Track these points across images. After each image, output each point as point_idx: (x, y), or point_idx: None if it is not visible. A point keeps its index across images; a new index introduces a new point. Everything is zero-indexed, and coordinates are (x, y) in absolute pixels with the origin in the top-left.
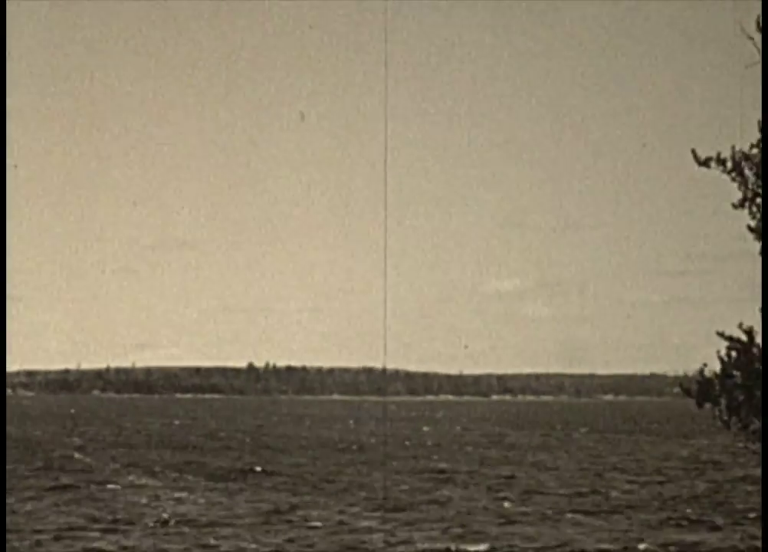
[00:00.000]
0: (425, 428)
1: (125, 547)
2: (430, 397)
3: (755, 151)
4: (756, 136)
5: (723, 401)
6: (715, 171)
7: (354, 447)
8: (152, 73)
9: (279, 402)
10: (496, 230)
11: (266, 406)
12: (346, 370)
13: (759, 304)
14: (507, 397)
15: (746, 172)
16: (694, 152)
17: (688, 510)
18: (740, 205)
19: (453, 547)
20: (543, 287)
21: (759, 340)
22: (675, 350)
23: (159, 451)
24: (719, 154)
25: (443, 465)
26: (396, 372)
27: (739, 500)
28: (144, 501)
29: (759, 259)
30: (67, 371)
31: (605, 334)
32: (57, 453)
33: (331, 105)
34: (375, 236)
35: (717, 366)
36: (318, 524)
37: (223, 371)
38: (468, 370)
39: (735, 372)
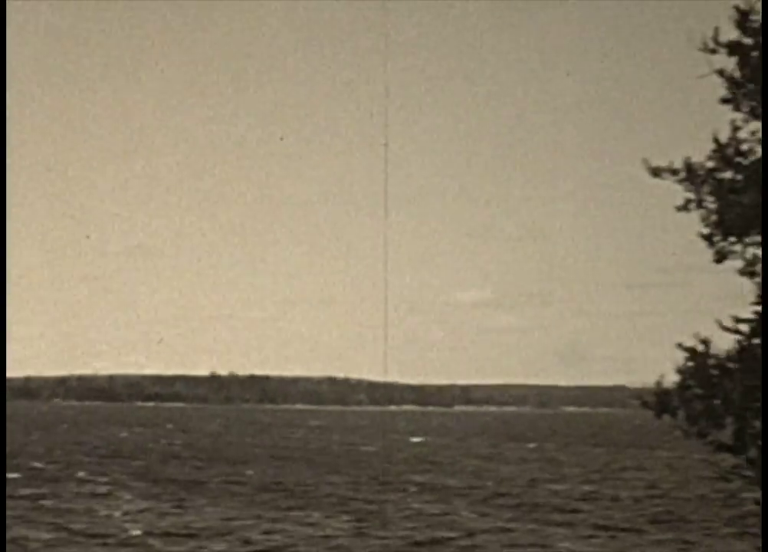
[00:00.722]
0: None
1: None
2: (392, 407)
3: (710, 164)
4: (710, 146)
5: (681, 412)
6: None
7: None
8: (122, 83)
9: (242, 411)
10: (462, 240)
11: (229, 415)
12: (308, 380)
13: (718, 315)
14: (470, 408)
15: (698, 181)
16: (646, 162)
17: (617, 516)
18: (684, 207)
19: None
20: (508, 298)
21: (732, 344)
22: (639, 362)
23: (121, 461)
24: (671, 164)
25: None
26: (359, 381)
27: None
28: (105, 512)
29: (719, 272)
30: (28, 379)
31: (568, 345)
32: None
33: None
34: (339, 246)
35: (676, 378)
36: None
37: (185, 379)
38: (431, 381)
39: (692, 383)
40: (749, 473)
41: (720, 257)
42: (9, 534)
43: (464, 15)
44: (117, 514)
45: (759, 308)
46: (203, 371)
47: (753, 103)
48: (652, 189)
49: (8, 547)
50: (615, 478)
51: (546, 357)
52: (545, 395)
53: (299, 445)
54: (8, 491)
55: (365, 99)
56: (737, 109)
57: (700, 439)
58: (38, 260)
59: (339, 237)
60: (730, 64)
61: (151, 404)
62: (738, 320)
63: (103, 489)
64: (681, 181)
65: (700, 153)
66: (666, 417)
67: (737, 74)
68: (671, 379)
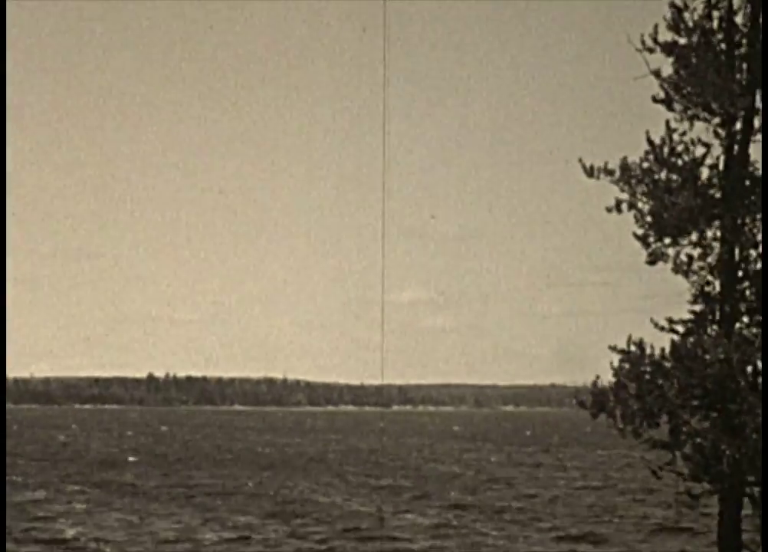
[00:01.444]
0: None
1: None
2: (330, 407)
3: (645, 164)
4: (642, 145)
5: (617, 411)
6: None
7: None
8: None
9: (179, 413)
10: (399, 240)
11: (167, 418)
12: (246, 380)
13: (653, 315)
14: (408, 407)
15: (633, 181)
16: (582, 162)
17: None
18: (616, 208)
19: None
20: (446, 298)
21: (662, 348)
22: (575, 361)
23: (63, 465)
24: (606, 164)
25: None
26: (297, 382)
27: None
28: (41, 513)
29: (655, 271)
30: None
31: (506, 345)
32: None
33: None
34: (275, 244)
35: (612, 377)
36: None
37: (123, 381)
38: (369, 381)
39: (628, 383)
40: (683, 469)
41: (654, 258)
42: None
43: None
44: (51, 517)
45: (695, 307)
46: (140, 373)
47: (688, 104)
48: (589, 189)
49: None
50: (548, 477)
51: (484, 357)
52: (482, 395)
53: (239, 446)
54: None
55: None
56: (671, 109)
57: (635, 437)
58: None
59: (275, 237)
60: (668, 63)
61: (88, 406)
62: (672, 322)
63: (39, 494)
64: (616, 181)
65: (640, 154)
66: (602, 416)
67: (674, 75)
68: (608, 378)
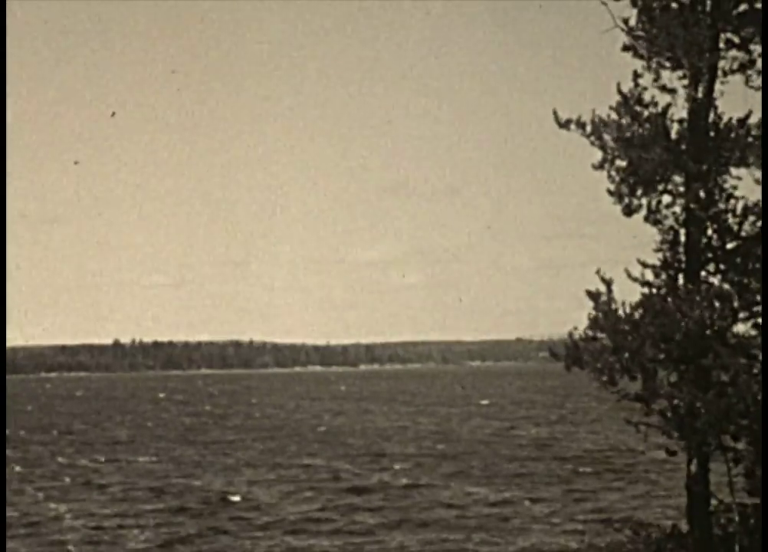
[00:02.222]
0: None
1: None
2: (298, 368)
3: (615, 116)
4: (615, 98)
5: (591, 363)
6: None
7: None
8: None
9: (147, 378)
10: (365, 198)
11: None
12: (212, 344)
13: (625, 266)
14: (375, 366)
15: (605, 135)
16: (555, 114)
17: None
18: (600, 166)
19: None
20: (412, 256)
21: (621, 294)
22: (541, 315)
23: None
24: (579, 117)
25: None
26: (264, 344)
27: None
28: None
29: (625, 221)
30: None
31: (472, 300)
32: None
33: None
34: (240, 204)
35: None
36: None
37: (89, 348)
38: (336, 340)
39: (600, 335)
40: (657, 422)
41: (630, 210)
42: None
43: None
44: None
45: (660, 256)
46: (106, 340)
47: (652, 54)
48: (561, 143)
49: None
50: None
51: (452, 313)
52: (448, 351)
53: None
54: None
55: None
56: (638, 56)
57: (609, 388)
58: None
59: (239, 198)
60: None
61: (54, 374)
62: (644, 265)
63: None
64: (587, 135)
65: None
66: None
67: (639, 25)
68: (581, 332)
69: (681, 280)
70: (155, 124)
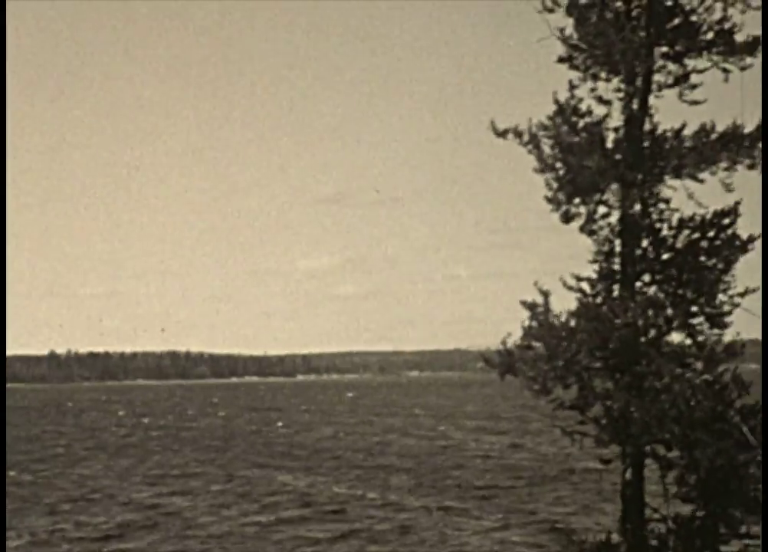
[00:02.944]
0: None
1: None
2: (234, 379)
3: (550, 124)
4: (551, 108)
5: (524, 371)
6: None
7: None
8: None
9: (82, 389)
10: (304, 208)
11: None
12: (149, 354)
13: (561, 276)
14: (312, 377)
15: (542, 144)
16: (493, 123)
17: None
18: (541, 171)
19: None
20: (350, 265)
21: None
22: (479, 325)
23: None
24: (516, 126)
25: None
26: (201, 354)
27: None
28: None
29: (561, 232)
30: None
31: (410, 311)
32: None
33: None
34: (177, 215)
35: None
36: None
37: (24, 359)
38: (273, 350)
39: (536, 343)
40: (591, 431)
41: (567, 218)
42: None
43: None
44: None
45: (596, 267)
46: (42, 350)
47: (589, 63)
48: (498, 153)
49: None
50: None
51: (389, 323)
52: (386, 361)
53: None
54: None
55: None
56: (574, 68)
57: (544, 397)
58: None
59: (177, 207)
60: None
61: None
62: (579, 279)
63: None
64: (524, 144)
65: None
66: (509, 377)
67: (575, 34)
68: (516, 340)
69: (616, 290)
70: (84, 138)
